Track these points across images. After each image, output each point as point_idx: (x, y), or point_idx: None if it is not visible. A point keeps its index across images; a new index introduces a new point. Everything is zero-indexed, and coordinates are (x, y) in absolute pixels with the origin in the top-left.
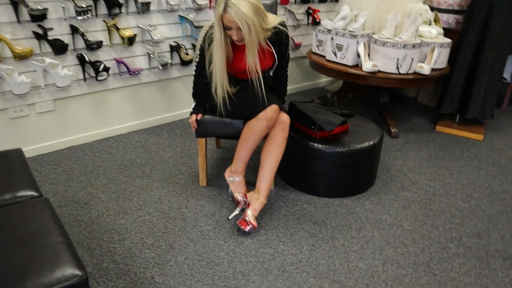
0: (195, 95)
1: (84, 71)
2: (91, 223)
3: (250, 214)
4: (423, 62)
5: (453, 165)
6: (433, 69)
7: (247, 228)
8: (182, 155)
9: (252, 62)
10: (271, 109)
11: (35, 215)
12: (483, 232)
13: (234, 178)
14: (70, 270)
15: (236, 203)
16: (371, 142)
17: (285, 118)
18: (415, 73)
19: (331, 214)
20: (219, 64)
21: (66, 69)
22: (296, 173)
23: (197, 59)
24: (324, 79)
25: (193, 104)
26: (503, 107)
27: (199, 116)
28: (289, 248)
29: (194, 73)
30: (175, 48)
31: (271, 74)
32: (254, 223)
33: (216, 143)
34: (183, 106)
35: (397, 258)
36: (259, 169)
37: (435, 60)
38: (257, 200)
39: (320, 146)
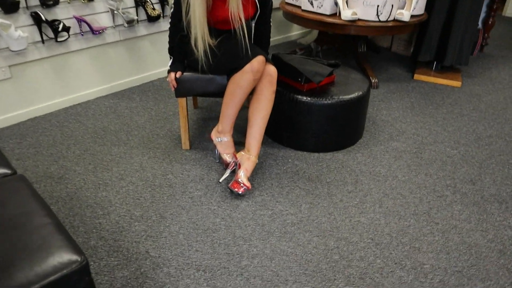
0: (171, 51)
1: (41, 32)
2: (70, 199)
3: (242, 175)
4: (402, 8)
5: (436, 112)
6: (412, 16)
7: (241, 190)
8: (159, 118)
9: (235, 8)
10: (257, 61)
11: (12, 195)
12: (475, 177)
13: (222, 138)
14: (67, 256)
15: (225, 165)
16: (360, 93)
17: (272, 70)
18: (395, 20)
19: (324, 170)
20: (198, 12)
21: (20, 30)
22: (284, 129)
23: (172, 10)
24: (296, 32)
25: (170, 61)
26: (475, 53)
27: (178, 74)
28: (287, 208)
29: (169, 25)
30: (141, 3)
31: (253, 25)
32: (248, 184)
33: (194, 103)
34: (153, 66)
35: (397, 209)
36: (248, 127)
37: (414, 6)
38: (248, 160)
39: (308, 99)
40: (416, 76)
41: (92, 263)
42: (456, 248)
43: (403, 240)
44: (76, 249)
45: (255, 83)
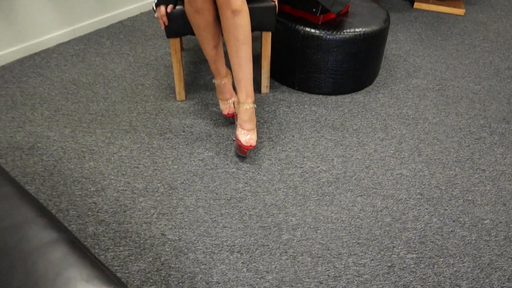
0: None
1: None
2: (49, 174)
3: (239, 133)
4: None
5: (447, 44)
6: None
7: (244, 152)
8: (139, 65)
9: None
10: None
11: None
12: (508, 115)
13: (215, 80)
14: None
15: (232, 118)
16: (381, 24)
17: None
18: None
19: (347, 115)
20: None
21: None
22: (296, 70)
23: None
24: None
25: None
26: None
27: (170, 8)
28: (318, 164)
29: None
30: None
31: None
32: (251, 142)
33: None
34: (121, 4)
35: (438, 157)
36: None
37: None
38: (241, 110)
39: (325, 33)
40: (416, 5)
41: (96, 255)
42: (511, 197)
43: (454, 193)
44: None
45: (202, 17)
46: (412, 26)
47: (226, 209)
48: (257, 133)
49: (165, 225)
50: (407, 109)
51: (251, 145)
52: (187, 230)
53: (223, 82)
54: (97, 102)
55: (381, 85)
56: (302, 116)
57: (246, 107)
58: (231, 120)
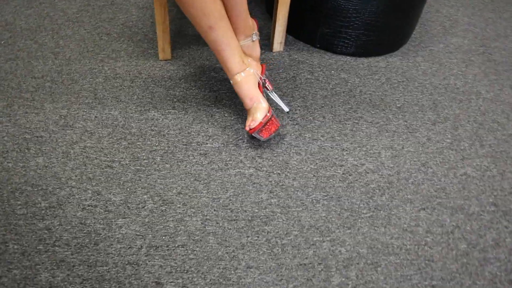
0: None
1: None
2: None
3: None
4: None
5: None
6: None
7: (261, 134)
8: (101, 4)
9: None
10: None
11: None
12: None
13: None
14: None
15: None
16: None
17: None
18: None
19: (386, 86)
20: None
21: None
22: (320, 22)
23: None
24: None
25: None
26: None
27: None
28: (363, 161)
29: None
30: None
31: None
32: (256, 120)
33: None
34: None
35: (504, 148)
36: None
37: None
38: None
39: None
40: None
41: None
42: None
43: None
44: None
45: None
46: None
47: (248, 237)
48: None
49: (161, 266)
50: (454, 79)
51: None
52: (194, 275)
53: (235, 81)
54: (43, 60)
55: (418, 44)
56: (331, 86)
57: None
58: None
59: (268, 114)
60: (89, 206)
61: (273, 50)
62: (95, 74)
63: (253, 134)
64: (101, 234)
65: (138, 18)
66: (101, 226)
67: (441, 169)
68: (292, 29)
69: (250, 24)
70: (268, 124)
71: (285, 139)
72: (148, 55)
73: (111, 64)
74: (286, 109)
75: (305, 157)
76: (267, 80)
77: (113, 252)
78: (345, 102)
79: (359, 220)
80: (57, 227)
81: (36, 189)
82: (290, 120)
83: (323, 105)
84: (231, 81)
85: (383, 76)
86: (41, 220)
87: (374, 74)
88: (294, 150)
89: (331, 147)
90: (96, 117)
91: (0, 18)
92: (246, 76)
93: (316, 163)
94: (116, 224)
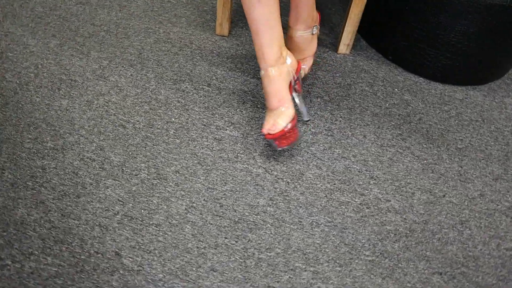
0: None
1: None
2: (3, 105)
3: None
4: None
5: None
6: None
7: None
8: None
9: None
10: None
11: None
12: None
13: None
14: None
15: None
16: None
17: None
18: None
19: (453, 121)
20: None
21: None
22: (396, 33)
23: None
24: None
25: None
26: None
27: None
28: (389, 196)
29: None
30: None
31: None
32: (278, 126)
33: None
34: None
35: None
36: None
37: None
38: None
39: None
40: None
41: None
42: None
43: None
44: None
45: None
46: None
47: (226, 238)
48: (309, 67)
49: (127, 238)
50: None
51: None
52: (155, 258)
53: (267, 74)
54: (109, 9)
55: None
56: (387, 105)
57: (291, 34)
58: (274, 146)
59: (292, 123)
60: (87, 158)
61: (338, 52)
62: (148, 34)
63: (268, 140)
64: (86, 188)
65: None
66: (90, 181)
67: (482, 235)
68: (365, 33)
69: (314, 15)
70: (289, 133)
71: (311, 147)
72: (206, 27)
73: (168, 28)
74: (306, 118)
75: (325, 173)
76: (298, 81)
77: (89, 209)
78: (396, 127)
79: (356, 261)
80: (51, 169)
81: (49, 128)
82: (324, 129)
83: (369, 123)
84: (262, 73)
85: (454, 109)
86: (40, 159)
87: (444, 104)
88: (316, 162)
89: (359, 171)
90: (131, 75)
91: None
92: (281, 73)
93: (335, 184)
94: (104, 183)
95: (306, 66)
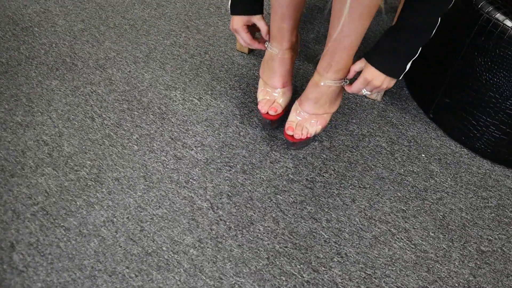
0: None
1: None
2: None
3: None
4: None
5: None
6: None
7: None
8: None
9: None
10: None
11: None
12: None
13: (271, 47)
14: None
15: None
16: None
17: None
18: None
19: (486, 213)
20: None
21: None
22: (440, 89)
23: None
24: None
25: None
26: None
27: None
28: (355, 284)
29: None
30: None
31: None
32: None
33: None
34: None
35: None
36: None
37: None
38: (316, 86)
39: None
40: None
41: None
42: None
43: None
44: None
45: None
46: None
47: (127, 268)
48: (322, 128)
49: (30, 233)
50: None
51: (292, 136)
52: (44, 264)
53: (283, 56)
54: (145, 6)
55: None
56: (402, 171)
57: (317, 81)
58: (267, 125)
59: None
60: (42, 141)
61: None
62: (169, 35)
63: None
64: (24, 170)
65: None
66: (31, 163)
67: None
68: (409, 82)
69: (350, 64)
70: None
71: (278, 196)
72: (230, 41)
73: (192, 34)
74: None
75: (281, 231)
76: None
77: (14, 191)
78: (402, 200)
79: None
80: (5, 143)
81: (26, 104)
82: (306, 179)
83: (367, 186)
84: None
85: (496, 198)
86: (1, 130)
87: (484, 189)
88: (275, 214)
89: (326, 241)
90: (129, 71)
91: None
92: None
93: (286, 247)
94: (42, 170)
95: (320, 126)
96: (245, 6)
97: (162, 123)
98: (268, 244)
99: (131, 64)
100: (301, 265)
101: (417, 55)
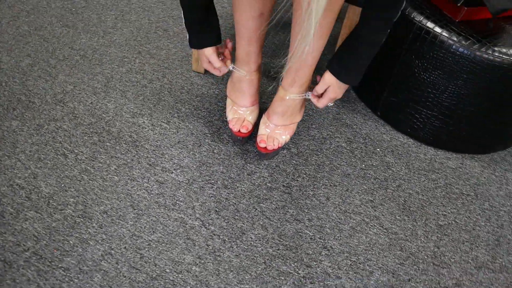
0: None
1: None
2: None
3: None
4: None
5: None
6: None
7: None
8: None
9: None
10: None
11: None
12: None
13: (237, 69)
14: None
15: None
16: None
17: None
18: None
19: (439, 193)
20: None
21: None
22: (385, 89)
23: None
24: None
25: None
26: None
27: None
28: (342, 273)
29: None
30: None
31: None
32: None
33: None
34: None
35: None
36: None
37: None
38: (281, 101)
39: (459, 41)
40: None
41: None
42: None
43: None
44: None
45: None
46: None
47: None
48: (290, 137)
49: (28, 280)
50: None
51: (265, 148)
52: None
53: (251, 78)
54: (92, 35)
55: None
56: (363, 166)
57: (283, 96)
58: (238, 141)
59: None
60: (17, 185)
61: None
62: (123, 63)
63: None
64: (4, 218)
65: None
66: (11, 210)
67: None
68: (356, 86)
69: (312, 78)
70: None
71: (261, 204)
72: (185, 62)
73: (145, 59)
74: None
75: (271, 235)
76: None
77: (1, 239)
78: (368, 192)
79: None
80: None
81: None
82: (282, 185)
83: (337, 184)
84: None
85: (443, 178)
86: None
87: (432, 172)
88: (263, 222)
89: (311, 239)
90: (91, 103)
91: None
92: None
93: (279, 249)
94: (25, 215)
95: (288, 136)
96: (212, 38)
97: (136, 151)
98: (262, 249)
99: (91, 95)
100: (295, 263)
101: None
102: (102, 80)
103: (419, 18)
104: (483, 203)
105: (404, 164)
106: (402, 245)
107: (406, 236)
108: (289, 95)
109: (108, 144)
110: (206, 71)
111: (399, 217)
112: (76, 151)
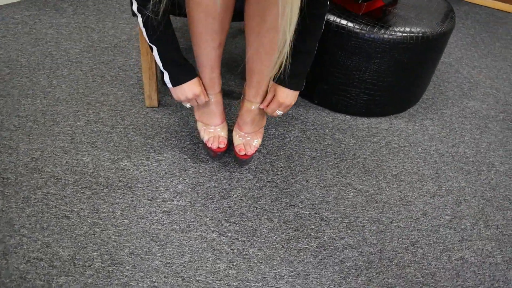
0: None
1: None
2: None
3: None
4: None
5: (508, 53)
6: None
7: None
8: (104, 46)
9: None
10: None
11: None
12: None
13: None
14: None
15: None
16: (445, 24)
17: None
18: None
19: (384, 150)
20: None
21: None
22: (318, 79)
23: None
24: None
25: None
26: None
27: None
28: (343, 234)
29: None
30: None
31: None
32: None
33: None
34: None
35: None
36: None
37: None
38: (248, 112)
39: (367, 30)
40: None
41: None
42: None
43: None
44: None
45: None
46: (462, 24)
47: None
48: (261, 140)
49: None
50: (464, 147)
51: (245, 155)
52: None
53: (217, 99)
54: (32, 99)
55: (429, 106)
56: (322, 147)
57: (250, 107)
58: (217, 156)
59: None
60: (34, 258)
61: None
62: (78, 117)
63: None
64: None
65: (136, 62)
66: (41, 283)
67: (434, 251)
68: None
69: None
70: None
71: (259, 202)
72: (136, 101)
73: (97, 107)
74: None
75: (278, 224)
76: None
77: None
78: (335, 166)
79: None
80: None
81: None
82: (268, 182)
83: (309, 167)
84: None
85: (383, 139)
86: None
87: (373, 136)
88: (267, 216)
89: (309, 216)
90: (67, 162)
91: (5, 54)
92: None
93: (288, 233)
94: (57, 282)
95: (260, 139)
96: (192, 71)
97: (132, 192)
98: (276, 237)
99: (62, 155)
100: (306, 239)
101: None
102: (66, 138)
103: (333, 18)
104: (417, 148)
105: (351, 136)
106: (376, 198)
107: (376, 191)
108: (255, 105)
109: (102, 194)
110: (159, 104)
111: (364, 178)
112: (75, 209)
